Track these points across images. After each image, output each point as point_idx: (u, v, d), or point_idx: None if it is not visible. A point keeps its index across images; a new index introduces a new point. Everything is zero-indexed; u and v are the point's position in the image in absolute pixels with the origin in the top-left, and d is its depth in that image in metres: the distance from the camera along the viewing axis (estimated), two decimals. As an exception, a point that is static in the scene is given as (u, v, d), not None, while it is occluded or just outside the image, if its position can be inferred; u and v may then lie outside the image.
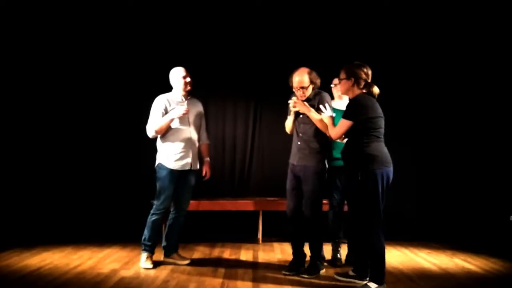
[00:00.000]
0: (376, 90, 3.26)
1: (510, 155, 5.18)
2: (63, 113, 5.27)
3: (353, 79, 3.25)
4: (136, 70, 5.21)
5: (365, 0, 5.22)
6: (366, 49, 5.22)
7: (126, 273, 3.62)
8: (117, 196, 5.09)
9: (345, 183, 3.44)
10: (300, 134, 3.63)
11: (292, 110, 3.62)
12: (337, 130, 3.25)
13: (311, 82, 3.57)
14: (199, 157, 4.01)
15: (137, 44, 5.25)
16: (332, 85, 4.12)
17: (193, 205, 4.90)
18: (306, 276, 3.57)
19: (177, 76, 3.87)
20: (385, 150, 3.21)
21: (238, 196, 5.33)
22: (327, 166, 3.62)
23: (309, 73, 3.58)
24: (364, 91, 3.26)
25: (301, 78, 3.56)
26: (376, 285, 3.16)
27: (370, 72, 3.29)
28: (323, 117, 3.43)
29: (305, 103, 3.57)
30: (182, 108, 3.71)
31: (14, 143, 5.16)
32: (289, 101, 3.63)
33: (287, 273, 3.64)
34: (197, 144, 3.94)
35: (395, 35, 5.32)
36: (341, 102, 3.96)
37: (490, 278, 3.64)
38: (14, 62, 5.14)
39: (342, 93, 3.48)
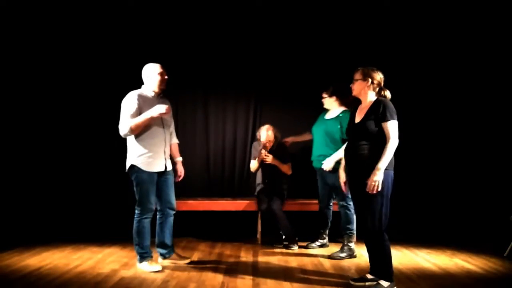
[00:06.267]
0: (388, 94, 3.28)
1: (510, 156, 5.18)
2: (64, 114, 5.29)
3: (369, 79, 3.24)
4: (135, 71, 5.20)
5: (365, 1, 5.22)
6: (365, 49, 5.24)
7: (126, 273, 3.62)
8: (117, 196, 5.08)
9: (354, 184, 3.28)
10: None
11: None
12: (395, 134, 3.12)
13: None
14: (170, 157, 3.93)
15: (136, 45, 5.24)
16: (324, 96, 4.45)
17: (193, 205, 4.91)
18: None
19: (154, 72, 3.73)
20: None
21: (238, 196, 5.34)
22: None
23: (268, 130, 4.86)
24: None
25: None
26: (388, 283, 3.18)
27: (383, 78, 3.29)
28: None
29: None
30: (162, 107, 3.54)
31: (14, 143, 5.17)
32: None
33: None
34: (169, 145, 3.86)
35: (394, 36, 5.33)
36: (331, 112, 4.45)
37: (490, 278, 3.64)
38: (9, 64, 5.15)
39: (355, 94, 3.36)
